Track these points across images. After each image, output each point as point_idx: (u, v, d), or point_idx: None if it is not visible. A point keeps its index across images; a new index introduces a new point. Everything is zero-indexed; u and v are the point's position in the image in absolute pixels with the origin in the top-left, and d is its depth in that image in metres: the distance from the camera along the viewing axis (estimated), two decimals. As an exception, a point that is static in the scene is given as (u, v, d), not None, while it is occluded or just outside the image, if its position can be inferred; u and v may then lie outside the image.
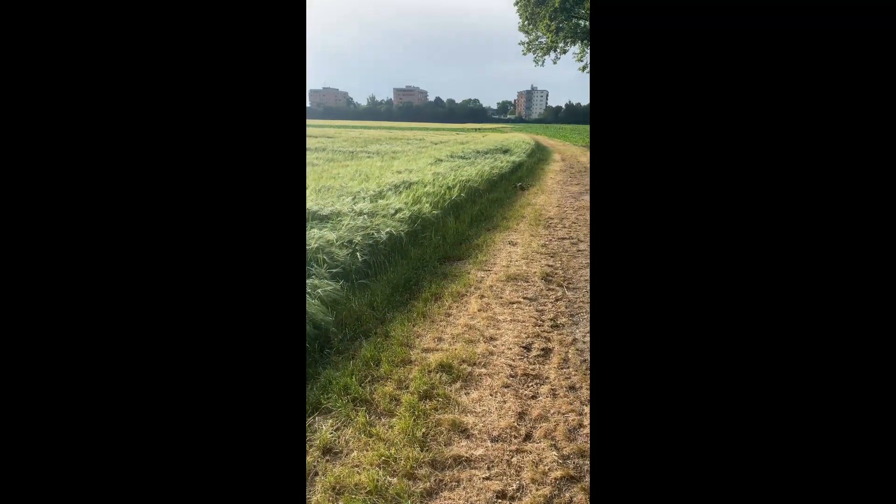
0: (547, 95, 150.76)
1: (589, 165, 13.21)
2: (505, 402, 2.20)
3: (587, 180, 10.17)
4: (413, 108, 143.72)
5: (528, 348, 2.73)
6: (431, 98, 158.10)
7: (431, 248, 4.52)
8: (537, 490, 1.69)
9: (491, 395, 2.26)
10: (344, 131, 34.08)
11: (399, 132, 34.59)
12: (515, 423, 2.05)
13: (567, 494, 1.68)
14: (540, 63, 23.08)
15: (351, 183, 6.52)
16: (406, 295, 3.42)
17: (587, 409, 2.15)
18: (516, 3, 21.68)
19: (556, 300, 3.45)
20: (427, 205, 5.46)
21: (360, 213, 4.58)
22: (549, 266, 4.20)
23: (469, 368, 2.47)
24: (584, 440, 1.96)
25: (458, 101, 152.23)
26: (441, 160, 10.38)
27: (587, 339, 2.86)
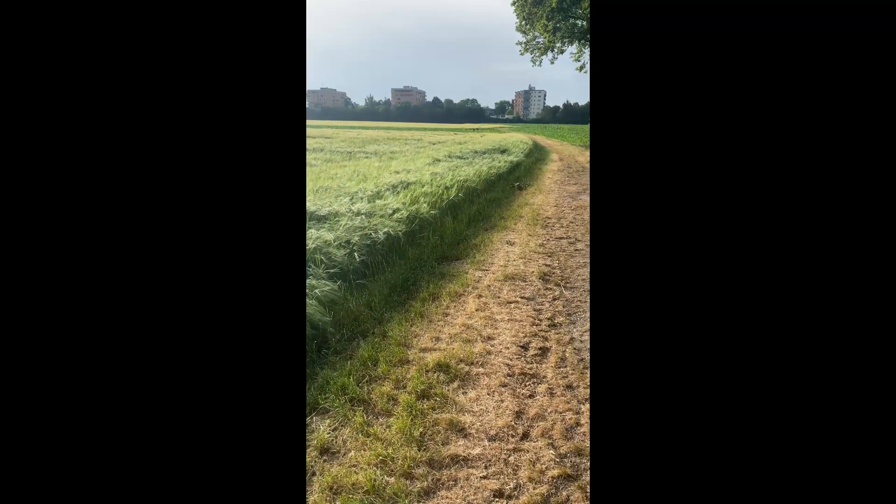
0: (545, 95, 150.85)
1: (586, 165, 13.22)
2: (502, 401, 2.21)
3: (585, 180, 10.18)
4: (411, 109, 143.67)
5: (525, 347, 2.73)
6: (429, 98, 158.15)
7: (429, 248, 4.52)
8: (534, 489, 1.70)
9: (488, 394, 2.26)
10: (342, 132, 34.05)
11: (397, 132, 34.57)
12: (513, 422, 2.05)
13: (564, 493, 1.69)
14: (537, 63, 23.12)
15: (349, 183, 6.52)
16: (404, 295, 3.42)
17: (584, 408, 2.16)
18: (513, 3, 21.70)
19: (554, 299, 3.45)
20: (425, 205, 5.46)
21: (358, 214, 4.58)
22: (546, 265, 4.20)
23: (467, 368, 2.48)
24: (581, 439, 1.96)
25: (456, 101, 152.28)
26: (439, 160, 10.38)
27: (584, 338, 2.86)
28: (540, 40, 22.04)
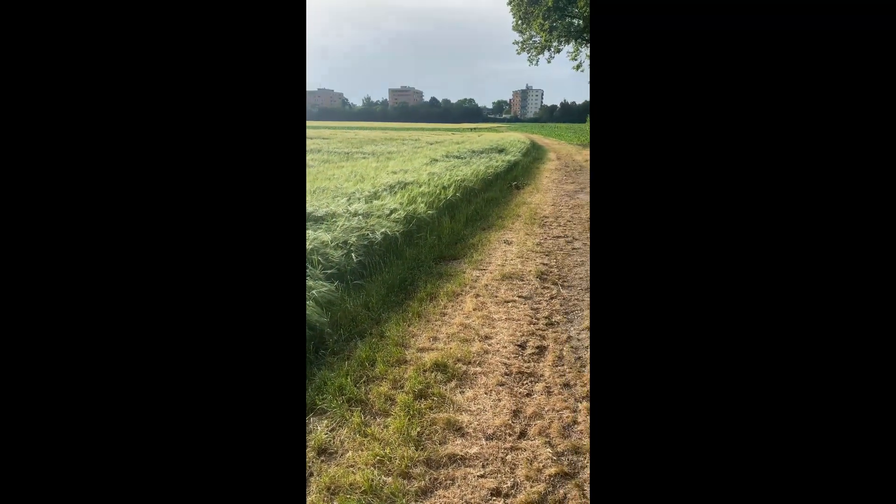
0: (542, 94, 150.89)
1: (583, 164, 13.24)
2: (500, 400, 2.21)
3: (582, 178, 10.19)
4: (408, 109, 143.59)
5: (522, 346, 2.74)
6: (427, 98, 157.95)
7: (427, 247, 4.52)
8: (532, 487, 1.70)
9: (486, 393, 2.27)
10: (339, 132, 34.02)
11: (394, 132, 34.56)
12: (510, 421, 2.05)
13: (561, 491, 1.69)
14: (534, 62, 23.14)
15: (346, 184, 6.52)
16: (401, 295, 3.42)
17: (581, 406, 2.16)
18: (510, 3, 21.70)
19: (551, 298, 3.46)
20: (422, 205, 5.46)
21: (355, 214, 4.58)
22: (544, 264, 4.21)
23: (464, 367, 2.48)
24: (578, 437, 1.97)
25: (454, 101, 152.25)
26: (436, 160, 10.38)
27: (582, 336, 2.87)
28: (536, 39, 22.05)
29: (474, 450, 1.89)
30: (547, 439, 1.95)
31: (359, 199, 5.35)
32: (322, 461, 1.83)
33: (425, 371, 2.41)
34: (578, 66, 22.23)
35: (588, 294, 3.51)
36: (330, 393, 2.21)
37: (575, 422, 2.06)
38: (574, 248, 4.75)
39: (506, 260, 4.32)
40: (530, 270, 4.02)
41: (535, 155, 16.09)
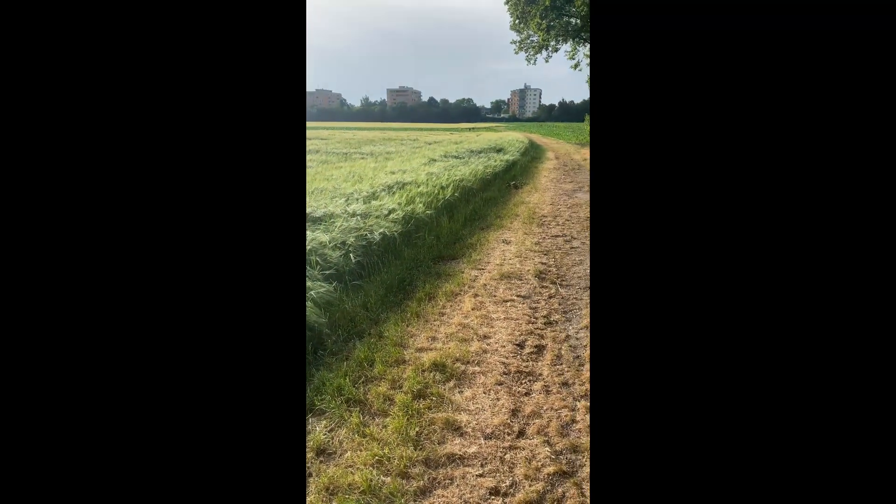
0: (540, 94, 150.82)
1: (581, 163, 13.24)
2: (498, 399, 2.21)
3: (580, 177, 10.20)
4: (407, 109, 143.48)
5: (521, 346, 2.74)
6: (425, 98, 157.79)
7: (425, 247, 4.52)
8: (530, 486, 1.71)
9: (484, 392, 2.27)
10: (337, 133, 33.99)
11: (393, 133, 34.54)
12: (508, 420, 2.06)
13: (560, 490, 1.70)
14: (532, 61, 23.16)
15: (344, 184, 6.52)
16: (400, 295, 3.43)
17: (580, 405, 2.17)
18: (507, 2, 21.71)
19: (550, 297, 3.46)
20: (421, 205, 5.46)
21: (354, 215, 4.58)
22: (542, 264, 4.21)
23: (463, 367, 2.48)
24: (576, 435, 1.97)
25: (452, 100, 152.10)
26: (435, 160, 10.38)
27: (580, 335, 2.87)
28: (534, 39, 22.06)
29: (473, 449, 1.89)
30: (545, 438, 1.95)
31: (357, 199, 5.35)
32: (321, 462, 1.83)
33: (424, 371, 2.42)
34: (576, 66, 22.27)
35: (586, 293, 3.52)
36: (328, 393, 2.21)
37: (573, 420, 2.06)
38: (572, 247, 4.76)
39: (504, 259, 4.33)
40: (529, 270, 4.03)
41: (533, 154, 16.10)
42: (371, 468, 1.77)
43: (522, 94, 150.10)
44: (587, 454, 1.84)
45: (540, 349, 2.70)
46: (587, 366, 2.48)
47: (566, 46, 22.14)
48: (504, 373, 2.44)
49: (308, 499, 1.65)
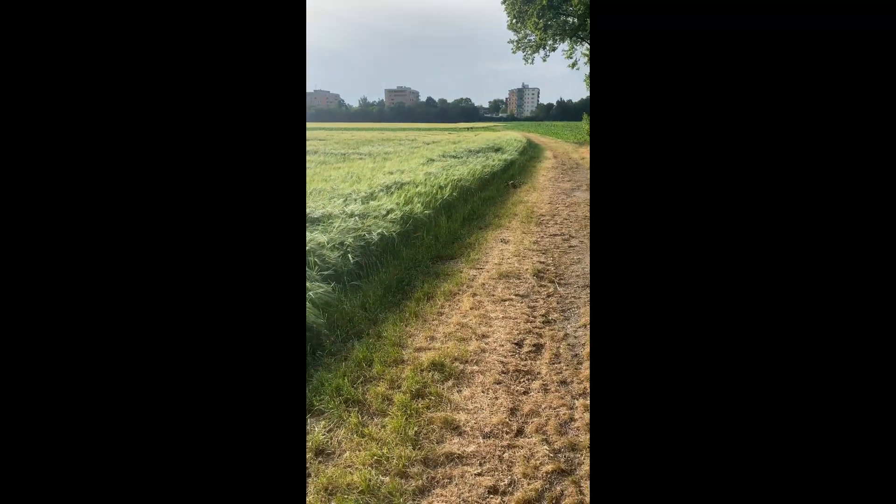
0: (538, 93, 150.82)
1: (580, 161, 13.25)
2: (497, 398, 2.22)
3: (578, 176, 10.21)
4: (405, 109, 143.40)
5: (519, 345, 2.74)
6: (423, 98, 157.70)
7: (423, 247, 4.52)
8: (529, 484, 1.71)
9: (483, 391, 2.27)
10: (336, 133, 33.94)
11: (391, 133, 34.50)
12: (507, 419, 2.06)
13: (558, 488, 1.70)
14: (529, 61, 23.12)
15: (342, 185, 6.52)
16: (398, 295, 3.43)
17: (578, 403, 2.17)
18: (504, 2, 21.69)
19: (548, 296, 3.47)
20: (419, 205, 5.46)
21: (352, 215, 4.58)
22: (540, 263, 4.22)
23: (461, 366, 2.49)
24: (574, 434, 1.98)
25: (450, 100, 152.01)
26: (433, 160, 10.38)
27: (578, 333, 2.88)
28: (531, 38, 22.04)
29: (471, 448, 1.89)
30: (544, 437, 1.95)
31: (355, 199, 5.35)
32: (319, 462, 1.83)
33: (422, 371, 2.42)
34: (574, 65, 22.24)
35: (584, 291, 3.52)
36: (327, 394, 2.21)
37: (571, 419, 2.07)
38: (571, 246, 4.76)
39: (503, 259, 4.33)
40: (527, 269, 4.03)
41: (531, 153, 16.11)
42: (370, 468, 1.77)
43: (520, 93, 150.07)
44: (585, 452, 1.85)
45: (538, 348, 2.71)
46: (585, 364, 2.49)
47: (563, 45, 22.13)
48: (502, 372, 2.44)
49: (307, 499, 1.65)
